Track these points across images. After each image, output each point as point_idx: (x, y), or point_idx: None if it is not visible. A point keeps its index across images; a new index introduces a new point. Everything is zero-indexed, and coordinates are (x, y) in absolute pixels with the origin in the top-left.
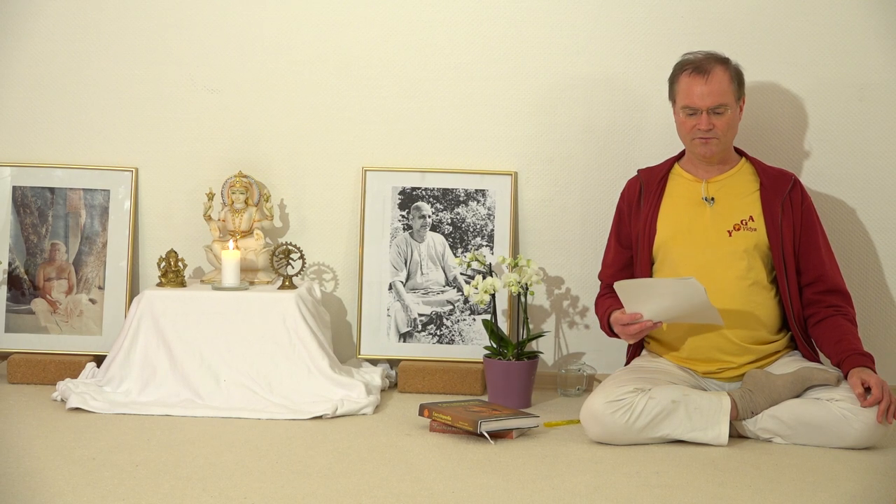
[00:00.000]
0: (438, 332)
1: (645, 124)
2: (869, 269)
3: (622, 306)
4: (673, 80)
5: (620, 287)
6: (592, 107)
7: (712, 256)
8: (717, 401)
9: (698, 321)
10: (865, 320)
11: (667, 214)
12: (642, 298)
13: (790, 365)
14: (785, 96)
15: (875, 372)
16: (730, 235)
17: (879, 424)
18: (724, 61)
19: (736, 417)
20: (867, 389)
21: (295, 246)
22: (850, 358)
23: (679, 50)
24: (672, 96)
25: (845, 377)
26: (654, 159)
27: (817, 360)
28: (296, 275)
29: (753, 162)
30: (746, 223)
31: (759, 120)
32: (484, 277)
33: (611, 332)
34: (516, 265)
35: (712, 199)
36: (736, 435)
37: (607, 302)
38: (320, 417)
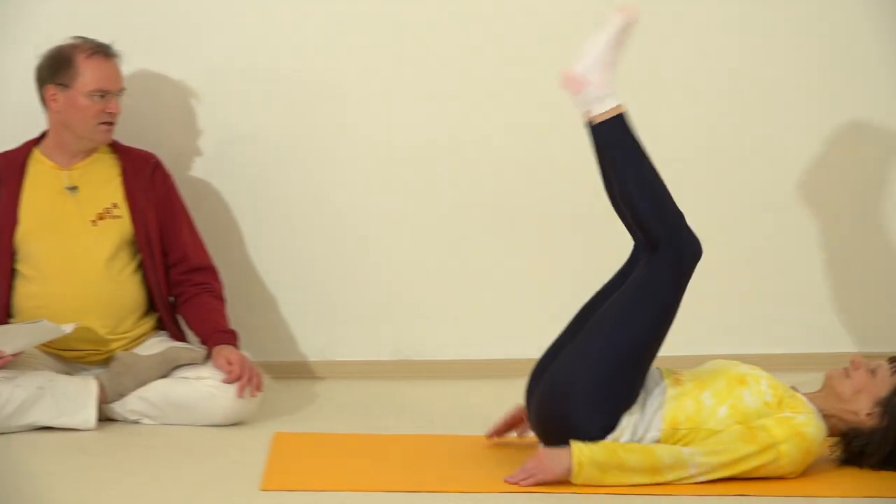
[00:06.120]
0: None
1: (7, 103)
2: (233, 247)
3: None
4: (69, 63)
5: None
6: None
7: (77, 248)
8: (84, 385)
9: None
10: (233, 299)
11: (28, 205)
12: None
13: (158, 346)
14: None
15: (238, 348)
16: (94, 225)
17: (243, 400)
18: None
19: (105, 401)
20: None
21: None
22: (213, 336)
23: None
24: (66, 80)
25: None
26: (17, 141)
27: (185, 340)
28: None
29: (114, 145)
30: (111, 211)
31: None
32: None
33: None
34: None
35: (75, 187)
36: (105, 419)
37: None
38: None
